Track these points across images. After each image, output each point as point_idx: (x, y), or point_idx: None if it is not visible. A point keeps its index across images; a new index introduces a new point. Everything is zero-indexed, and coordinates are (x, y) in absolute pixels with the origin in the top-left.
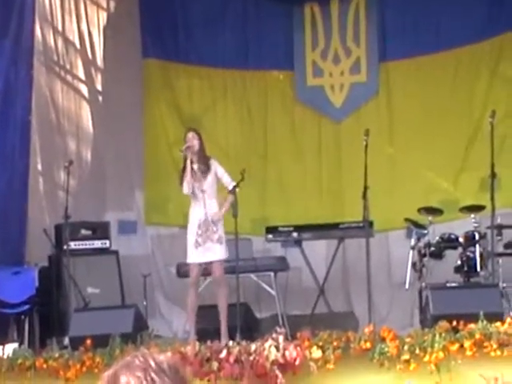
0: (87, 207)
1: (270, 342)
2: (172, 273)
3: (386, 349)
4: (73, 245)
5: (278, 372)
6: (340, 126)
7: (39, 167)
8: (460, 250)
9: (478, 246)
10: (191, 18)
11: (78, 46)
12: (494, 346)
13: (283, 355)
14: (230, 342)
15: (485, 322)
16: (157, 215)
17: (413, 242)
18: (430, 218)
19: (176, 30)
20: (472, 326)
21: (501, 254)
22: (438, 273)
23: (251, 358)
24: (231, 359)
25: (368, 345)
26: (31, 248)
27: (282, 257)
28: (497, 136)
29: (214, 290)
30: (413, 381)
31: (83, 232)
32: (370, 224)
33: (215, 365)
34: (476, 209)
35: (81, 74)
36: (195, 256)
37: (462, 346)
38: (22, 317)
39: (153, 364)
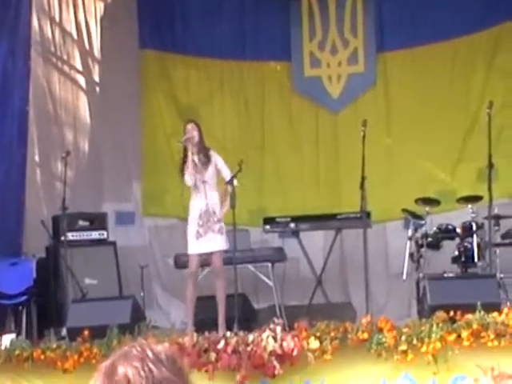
0: (85, 198)
1: (267, 332)
2: (169, 264)
3: (384, 339)
4: (70, 236)
5: (275, 362)
6: (337, 116)
7: (36, 158)
8: (457, 240)
9: (475, 236)
10: (189, 8)
11: (75, 36)
12: (491, 337)
13: (281, 346)
14: (228, 333)
15: (482, 313)
16: (154, 206)
17: (410, 232)
18: (427, 208)
19: (173, 21)
20: (469, 316)
21: (498, 245)
22: (436, 263)
23: (249, 348)
24: (229, 350)
25: (365, 335)
26: (29, 239)
27: (279, 247)
28: (494, 127)
29: (212, 281)
30: (410, 371)
31: (81, 223)
32: (368, 214)
33: (213, 355)
34: (473, 199)
35: (78, 64)
36: (196, 247)
37: (459, 336)
38: (20, 308)
39: (150, 354)
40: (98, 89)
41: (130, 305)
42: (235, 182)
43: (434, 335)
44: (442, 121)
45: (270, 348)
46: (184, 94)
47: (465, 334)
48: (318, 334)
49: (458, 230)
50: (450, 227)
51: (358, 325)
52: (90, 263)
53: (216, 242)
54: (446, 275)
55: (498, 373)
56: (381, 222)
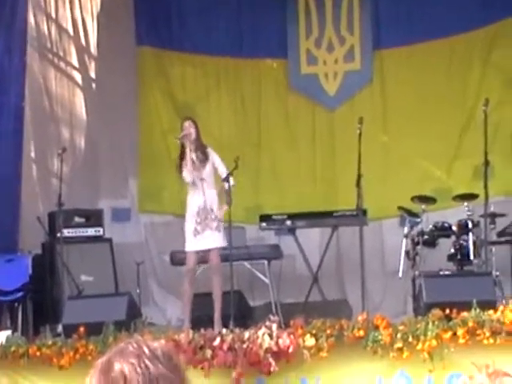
0: (81, 195)
1: (263, 329)
2: (166, 261)
3: (380, 337)
4: (66, 232)
5: (271, 360)
6: (334, 114)
7: (32, 154)
8: (453, 238)
9: (471, 234)
10: (185, 5)
11: (71, 33)
12: (487, 334)
13: (277, 343)
14: (224, 330)
15: (478, 310)
16: (150, 203)
17: (406, 230)
18: (423, 206)
19: (170, 18)
20: (465, 314)
21: (494, 243)
22: (432, 261)
23: (245, 345)
24: (225, 347)
25: (361, 333)
26: (24, 235)
27: (275, 245)
28: (490, 124)
29: (210, 278)
30: (406, 368)
31: (77, 219)
32: (364, 212)
33: (209, 352)
34: (469, 197)
35: (74, 61)
36: (193, 244)
37: (454, 334)
38: (16, 304)
39: (147, 351)
40: (94, 85)
41: (126, 301)
42: (232, 180)
43: (429, 333)
44: (439, 118)
45: (265, 345)
46: (180, 90)
47: (460, 331)
48: (314, 332)
49: (454, 228)
50: (445, 225)
51: (353, 322)
52: (86, 260)
53: (214, 239)
54: (441, 273)
55: (493, 370)
56: (377, 220)
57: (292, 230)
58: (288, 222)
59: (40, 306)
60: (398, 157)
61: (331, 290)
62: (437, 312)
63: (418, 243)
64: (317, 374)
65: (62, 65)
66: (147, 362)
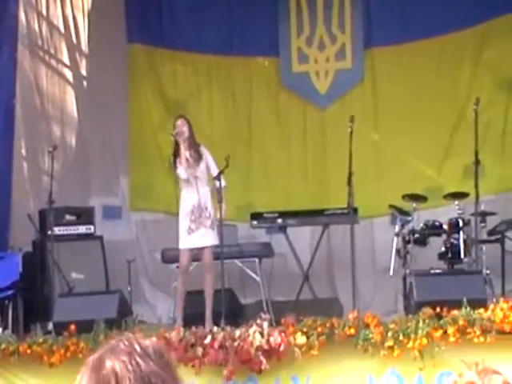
0: (71, 192)
1: (254, 327)
2: (157, 258)
3: (370, 335)
4: (57, 230)
5: (262, 358)
6: (325, 112)
7: (23, 152)
8: (444, 236)
9: (461, 232)
10: (176, 3)
11: (62, 30)
12: (478, 333)
13: (268, 341)
14: (215, 328)
15: (468, 309)
16: (141, 201)
17: (397, 228)
18: (414, 204)
19: (161, 16)
20: (455, 312)
21: (484, 241)
22: (422, 259)
23: (235, 343)
24: (216, 345)
25: (352, 331)
26: (15, 233)
27: (266, 243)
28: (481, 123)
29: (201, 276)
30: (396, 367)
31: (67, 217)
32: (355, 210)
33: (200, 350)
34: (460, 196)
35: (65, 58)
36: (187, 242)
37: (445, 332)
38: (6, 302)
39: (138, 348)
40: (85, 83)
41: (117, 299)
42: (223, 181)
43: (420, 331)
44: (429, 117)
45: (256, 343)
46: (171, 88)
47: (451, 330)
48: (305, 330)
49: (445, 227)
50: (436, 223)
51: (344, 320)
52: (77, 257)
53: (208, 238)
54: (432, 271)
55: (483, 368)
56: (368, 218)
57: (283, 228)
58: (279, 220)
59: (30, 303)
60: (389, 155)
61: (322, 288)
62: (427, 310)
63: (408, 242)
64: (308, 372)
65: (53, 62)
66: (138, 359)
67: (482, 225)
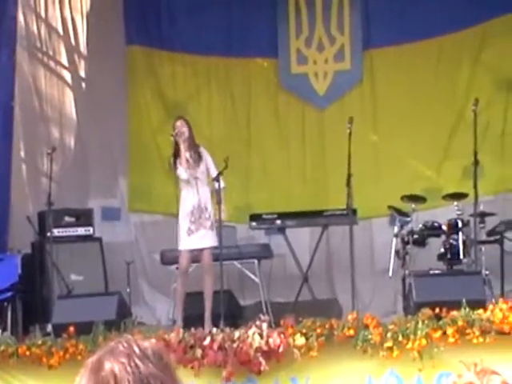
0: (70, 194)
1: (253, 329)
2: (156, 260)
3: (370, 336)
4: (56, 232)
5: (261, 359)
6: (324, 113)
7: (22, 154)
8: (443, 237)
9: (460, 233)
10: (175, 4)
11: (60, 32)
12: (477, 333)
13: (267, 342)
14: (214, 330)
15: (467, 309)
16: (140, 202)
17: (396, 229)
18: (413, 205)
19: (160, 17)
20: (455, 313)
21: (483, 242)
22: (421, 260)
23: (235, 345)
24: (215, 346)
25: (351, 332)
26: (14, 235)
27: (265, 244)
28: (480, 124)
29: (200, 277)
30: (396, 367)
31: (66, 219)
32: (354, 211)
33: (199, 352)
34: (459, 196)
35: (64, 60)
36: (187, 243)
37: (444, 333)
38: (5, 304)
39: (137, 350)
40: (84, 85)
41: (116, 301)
42: (222, 183)
43: (419, 332)
44: (429, 118)
45: (256, 344)
46: (170, 90)
47: (450, 330)
48: (304, 331)
49: (444, 227)
50: (435, 224)
51: (343, 321)
52: (76, 259)
53: (207, 239)
54: (431, 272)
55: (481, 368)
56: (367, 219)
57: (282, 230)
58: (278, 222)
59: (30, 305)
60: (387, 156)
61: (321, 290)
62: (427, 311)
63: (407, 242)
64: (307, 374)
65: (52, 64)
66: (137, 361)
67: (481, 225)
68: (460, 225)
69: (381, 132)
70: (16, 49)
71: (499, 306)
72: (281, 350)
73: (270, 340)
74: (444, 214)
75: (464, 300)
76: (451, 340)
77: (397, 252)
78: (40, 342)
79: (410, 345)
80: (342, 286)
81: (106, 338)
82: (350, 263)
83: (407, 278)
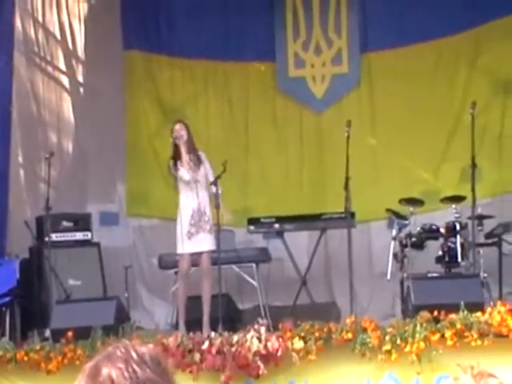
0: (68, 199)
1: (252, 333)
2: (154, 264)
3: (368, 339)
4: (54, 237)
5: (260, 363)
6: (321, 117)
7: (20, 159)
8: (441, 240)
9: (458, 236)
10: (173, 9)
11: (58, 37)
12: (475, 336)
13: (265, 346)
14: (212, 334)
15: (466, 312)
16: (138, 207)
17: (394, 232)
18: (411, 208)
19: (158, 22)
20: (453, 316)
21: (482, 245)
22: (420, 263)
23: (233, 349)
24: (213, 350)
25: (350, 335)
26: (12, 240)
27: (263, 248)
28: (477, 127)
29: (199, 281)
30: (394, 371)
31: (64, 224)
32: (352, 215)
33: (197, 356)
34: (457, 199)
35: (62, 65)
36: (187, 246)
37: (443, 336)
38: (3, 309)
39: (134, 355)
40: (81, 89)
41: (114, 306)
42: (219, 188)
43: (417, 335)
44: (426, 121)
45: (254, 348)
46: (168, 94)
47: (448, 333)
48: (303, 335)
49: (442, 230)
50: (433, 227)
51: (342, 325)
52: (74, 264)
53: (206, 242)
54: (429, 275)
55: (478, 371)
56: (365, 222)
57: (280, 233)
58: (276, 225)
59: (28, 310)
60: (385, 159)
61: (319, 293)
62: (425, 314)
63: (406, 245)
64: (305, 377)
65: (50, 69)
66: (135, 366)
67: (479, 228)
68: (458, 228)
69: (379, 135)
70: (14, 54)
71: (497, 308)
72: (279, 353)
73: (269, 344)
74: (442, 216)
75: (462, 303)
76: (449, 343)
77: (395, 255)
78: (38, 347)
79: (408, 348)
80: (341, 289)
81: (104, 343)
82: (349, 266)
83: (405, 281)
